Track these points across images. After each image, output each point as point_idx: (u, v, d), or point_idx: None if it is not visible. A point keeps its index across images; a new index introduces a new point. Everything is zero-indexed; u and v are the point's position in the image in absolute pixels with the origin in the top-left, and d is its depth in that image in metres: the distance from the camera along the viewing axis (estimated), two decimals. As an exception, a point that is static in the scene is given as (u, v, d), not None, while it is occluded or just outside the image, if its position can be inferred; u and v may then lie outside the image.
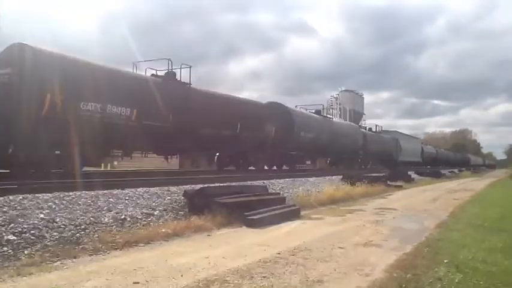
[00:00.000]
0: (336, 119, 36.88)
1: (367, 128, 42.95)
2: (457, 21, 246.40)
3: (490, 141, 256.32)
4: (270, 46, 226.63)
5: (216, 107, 17.70)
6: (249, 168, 22.33)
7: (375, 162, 42.77)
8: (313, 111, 30.30)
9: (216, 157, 21.82)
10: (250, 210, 9.54)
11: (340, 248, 7.16)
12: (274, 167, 25.75)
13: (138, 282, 4.82)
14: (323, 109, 32.43)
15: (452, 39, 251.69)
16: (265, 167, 24.58)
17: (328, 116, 33.25)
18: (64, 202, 7.91)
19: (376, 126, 45.06)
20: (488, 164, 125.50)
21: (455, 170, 56.43)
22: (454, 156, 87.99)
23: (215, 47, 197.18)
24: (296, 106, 28.98)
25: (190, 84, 17.08)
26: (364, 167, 38.13)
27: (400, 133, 56.06)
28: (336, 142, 29.90)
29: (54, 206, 7.59)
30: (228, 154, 21.70)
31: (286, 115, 24.20)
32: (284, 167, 26.39)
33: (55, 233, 6.64)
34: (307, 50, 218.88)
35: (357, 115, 61.80)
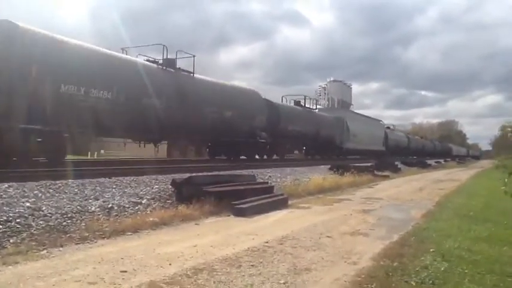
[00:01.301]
0: (204, 77, 18.95)
1: (294, 102, 29.72)
2: (449, 13, 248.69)
3: (476, 132, 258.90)
4: (260, 35, 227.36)
5: None
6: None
7: (309, 151, 31.91)
8: (158, 61, 16.49)
9: None
10: (238, 199, 9.53)
11: (327, 237, 7.19)
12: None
13: (125, 271, 4.80)
14: (160, 56, 16.58)
15: (442, 31, 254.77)
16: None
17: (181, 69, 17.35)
18: (50, 191, 7.85)
19: (305, 97, 31.13)
20: (473, 154, 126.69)
21: (441, 161, 56.81)
22: (433, 146, 78.26)
23: (206, 35, 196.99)
24: (123, 50, 15.81)
25: None
26: (278, 156, 25.50)
27: (352, 112, 46.13)
28: (202, 116, 17.46)
29: (40, 195, 7.53)
30: None
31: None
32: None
33: (41, 222, 6.57)
34: (299, 39, 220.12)
35: (344, 105, 62.01)
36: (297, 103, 29.63)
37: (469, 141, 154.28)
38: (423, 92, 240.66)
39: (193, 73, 17.95)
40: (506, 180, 5.38)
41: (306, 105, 30.60)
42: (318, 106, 39.10)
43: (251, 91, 23.37)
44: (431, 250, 6.39)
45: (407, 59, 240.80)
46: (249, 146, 21.78)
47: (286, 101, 29.03)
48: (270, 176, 14.93)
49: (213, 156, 21.75)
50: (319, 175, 17.90)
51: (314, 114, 31.07)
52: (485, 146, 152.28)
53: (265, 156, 24.52)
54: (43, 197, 7.50)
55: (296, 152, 30.92)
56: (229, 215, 8.98)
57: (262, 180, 13.43)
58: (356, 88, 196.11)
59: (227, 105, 19.54)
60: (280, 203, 10.69)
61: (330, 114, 34.57)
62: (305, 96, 31.28)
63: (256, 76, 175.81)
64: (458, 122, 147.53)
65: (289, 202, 11.18)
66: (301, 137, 28.05)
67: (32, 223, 6.46)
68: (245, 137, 20.94)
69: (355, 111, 54.10)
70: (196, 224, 8.06)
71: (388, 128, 54.37)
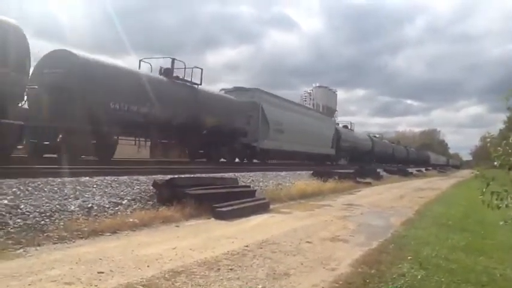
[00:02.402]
0: None
1: (161, 70, 18.39)
2: (436, 23, 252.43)
3: (458, 142, 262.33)
4: (249, 39, 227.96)
5: None
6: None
7: (193, 151, 20.60)
8: None
9: None
10: (219, 202, 9.52)
11: (307, 242, 7.22)
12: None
13: (102, 272, 4.75)
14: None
15: (429, 41, 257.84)
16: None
17: None
18: (29, 188, 7.73)
19: (173, 61, 18.61)
20: (453, 164, 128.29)
21: (423, 169, 57.13)
22: (406, 153, 69.32)
23: (193, 37, 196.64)
24: None
25: None
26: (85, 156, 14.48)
27: (276, 97, 28.71)
28: None
29: (18, 192, 7.41)
30: None
31: None
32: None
33: (19, 220, 6.48)
34: (287, 44, 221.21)
35: (329, 111, 62.34)
36: (166, 72, 18.23)
37: (451, 151, 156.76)
38: (408, 101, 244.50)
39: None
40: (484, 190, 5.46)
41: (181, 77, 18.84)
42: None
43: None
44: (409, 258, 6.45)
45: (393, 67, 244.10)
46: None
47: (151, 68, 18.27)
48: (252, 180, 14.94)
49: None
50: (301, 180, 17.97)
51: (192, 91, 18.89)
52: (466, 155, 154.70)
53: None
54: (21, 194, 7.39)
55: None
56: (210, 218, 8.95)
57: (244, 184, 13.44)
58: (342, 95, 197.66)
59: None
60: (262, 207, 10.70)
61: (235, 97, 22.84)
62: (173, 60, 18.62)
63: (243, 79, 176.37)
64: (440, 131, 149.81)
65: (271, 207, 11.20)
66: (156, 125, 16.16)
67: (9, 221, 6.37)
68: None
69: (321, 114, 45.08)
70: (176, 226, 8.03)
71: (346, 127, 45.68)
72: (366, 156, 46.52)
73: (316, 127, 33.26)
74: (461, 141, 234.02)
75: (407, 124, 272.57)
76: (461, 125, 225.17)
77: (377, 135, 58.85)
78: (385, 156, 53.89)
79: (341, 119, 57.21)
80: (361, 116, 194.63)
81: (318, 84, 68.66)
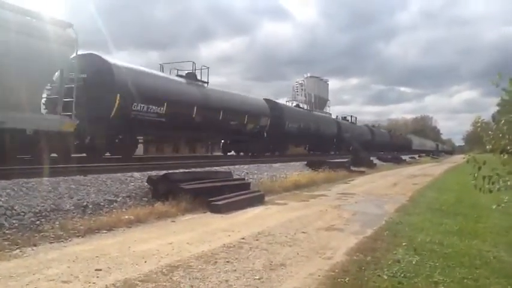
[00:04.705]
0: None
1: None
2: (430, 7, 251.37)
3: (451, 128, 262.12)
4: (242, 30, 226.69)
5: None
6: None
7: None
8: None
9: None
10: (214, 196, 9.55)
11: (303, 232, 7.27)
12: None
13: (100, 269, 4.77)
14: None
15: (423, 26, 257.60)
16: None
17: None
18: (23, 189, 7.71)
19: None
20: (446, 149, 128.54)
21: (416, 156, 57.06)
22: (369, 134, 50.17)
23: (186, 29, 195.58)
24: None
25: None
26: None
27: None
28: None
29: (13, 193, 7.40)
30: None
31: None
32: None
33: (14, 221, 6.49)
34: (280, 34, 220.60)
35: (321, 101, 62.19)
36: None
37: (444, 137, 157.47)
38: (402, 88, 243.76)
39: None
40: (475, 174, 5.52)
41: None
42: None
43: None
44: (403, 244, 6.53)
45: (387, 55, 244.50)
46: None
47: None
48: (247, 173, 14.98)
49: None
50: (295, 171, 18.03)
51: None
52: (459, 141, 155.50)
53: None
54: (16, 195, 7.38)
55: None
56: (205, 212, 8.99)
57: (239, 177, 13.47)
58: (335, 84, 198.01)
59: None
60: (257, 200, 10.74)
61: None
62: None
63: (237, 71, 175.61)
64: (432, 118, 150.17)
65: (266, 198, 11.24)
66: None
67: (5, 222, 6.38)
68: None
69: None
70: (172, 221, 8.05)
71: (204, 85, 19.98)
72: (271, 141, 26.59)
73: None
74: (455, 127, 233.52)
75: (401, 111, 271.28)
76: (455, 111, 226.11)
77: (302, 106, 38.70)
78: (321, 139, 35.28)
79: (334, 109, 56.62)
80: (355, 105, 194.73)
81: (309, 75, 68.38)
